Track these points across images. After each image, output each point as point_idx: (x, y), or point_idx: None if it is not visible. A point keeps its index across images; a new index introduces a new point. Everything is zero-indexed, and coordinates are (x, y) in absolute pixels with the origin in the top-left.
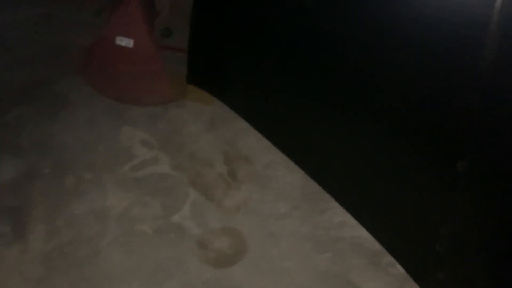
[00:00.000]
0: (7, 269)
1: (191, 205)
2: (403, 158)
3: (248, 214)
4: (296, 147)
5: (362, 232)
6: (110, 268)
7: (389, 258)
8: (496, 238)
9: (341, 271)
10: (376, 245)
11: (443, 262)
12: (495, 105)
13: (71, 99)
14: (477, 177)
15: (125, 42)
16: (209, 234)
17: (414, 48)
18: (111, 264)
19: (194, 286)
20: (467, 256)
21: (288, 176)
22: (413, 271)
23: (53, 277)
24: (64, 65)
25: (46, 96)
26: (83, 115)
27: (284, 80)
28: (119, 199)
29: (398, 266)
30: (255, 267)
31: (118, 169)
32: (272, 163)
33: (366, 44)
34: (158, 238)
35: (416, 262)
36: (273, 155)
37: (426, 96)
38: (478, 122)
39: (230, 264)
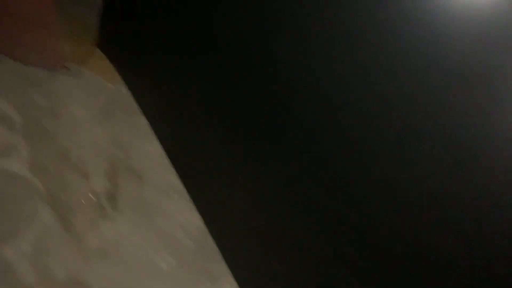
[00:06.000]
0: None
1: (36, 233)
2: None
3: (113, 261)
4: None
5: None
6: None
7: None
8: None
9: None
10: None
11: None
12: None
13: None
14: None
15: None
16: (48, 285)
17: None
18: None
19: None
20: None
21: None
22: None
23: None
24: None
25: None
26: None
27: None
28: None
29: None
30: None
31: None
32: (169, 189)
33: None
34: None
35: None
36: (172, 175)
37: None
38: None
39: None
